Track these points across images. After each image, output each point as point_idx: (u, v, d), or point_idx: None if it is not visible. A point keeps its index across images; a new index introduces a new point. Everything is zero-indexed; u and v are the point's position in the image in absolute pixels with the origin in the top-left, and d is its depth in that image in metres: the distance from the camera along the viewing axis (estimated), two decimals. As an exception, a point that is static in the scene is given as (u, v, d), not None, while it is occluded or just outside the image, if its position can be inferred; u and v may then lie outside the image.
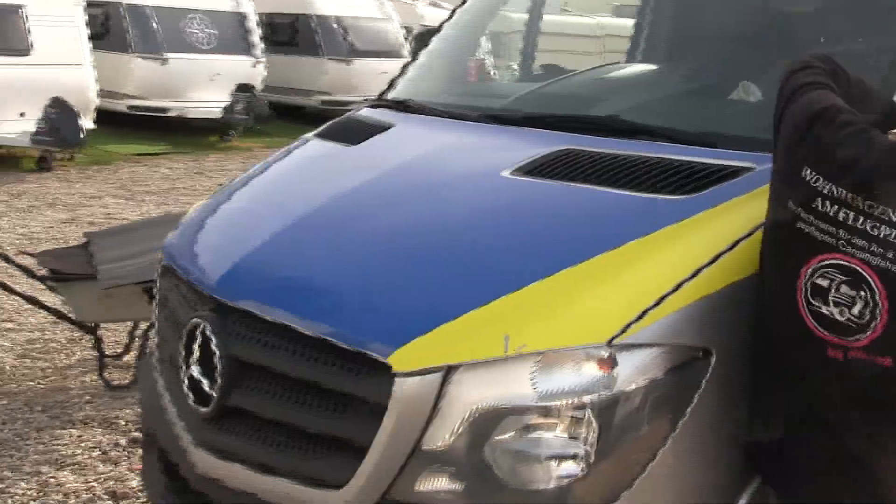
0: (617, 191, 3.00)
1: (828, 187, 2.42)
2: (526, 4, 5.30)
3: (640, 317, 2.55)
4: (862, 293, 2.37)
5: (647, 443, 2.56)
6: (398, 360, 2.58)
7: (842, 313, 2.41)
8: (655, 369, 2.55)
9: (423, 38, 4.98)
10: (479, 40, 5.00)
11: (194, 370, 3.08)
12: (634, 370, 2.53)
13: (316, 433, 2.81)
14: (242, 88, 19.10)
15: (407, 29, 21.74)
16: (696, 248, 2.69)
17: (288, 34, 22.18)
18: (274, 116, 19.49)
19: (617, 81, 4.47)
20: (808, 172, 2.46)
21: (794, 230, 2.48)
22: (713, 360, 2.60)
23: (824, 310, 2.43)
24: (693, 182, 2.93)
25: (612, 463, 2.55)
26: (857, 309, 2.38)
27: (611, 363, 2.53)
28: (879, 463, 2.47)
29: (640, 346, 2.54)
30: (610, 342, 2.53)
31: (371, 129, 3.90)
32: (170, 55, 18.56)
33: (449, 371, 2.57)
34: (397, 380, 2.57)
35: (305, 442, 2.83)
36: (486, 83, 4.70)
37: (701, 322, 2.60)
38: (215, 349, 2.98)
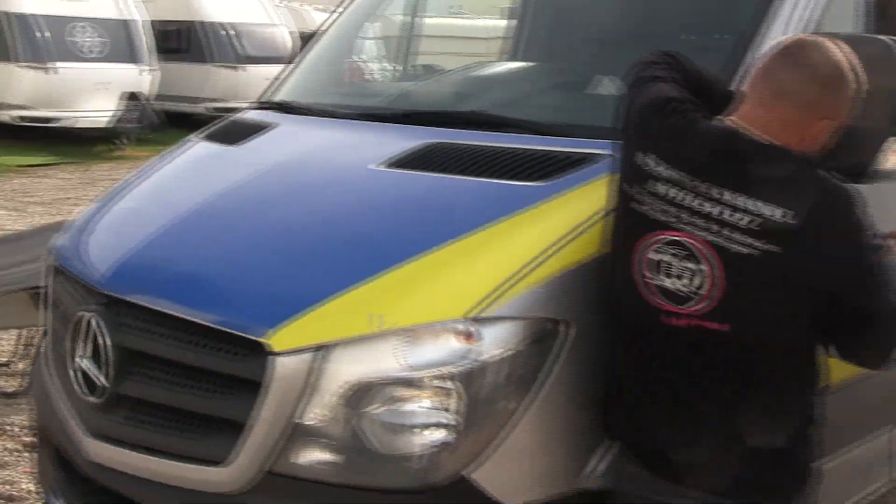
0: (478, 179, 3.21)
1: (661, 169, 2.64)
2: (407, 7, 5.49)
3: (498, 292, 2.76)
4: (695, 265, 2.59)
5: (509, 410, 2.77)
6: (274, 340, 2.76)
7: (675, 284, 2.62)
8: (515, 341, 2.76)
9: (307, 41, 5.15)
10: (359, 43, 5.19)
11: (85, 362, 3.22)
12: (495, 342, 2.74)
13: (201, 414, 2.99)
14: (132, 97, 18.99)
15: (301, 34, 21.78)
16: (551, 229, 2.91)
17: (178, 41, 22.10)
18: (166, 124, 19.32)
19: (485, 79, 4.68)
20: (643, 157, 2.68)
21: (630, 209, 2.70)
22: (571, 331, 2.82)
23: (659, 281, 2.64)
24: (548, 169, 3.14)
25: (476, 430, 2.75)
26: (689, 280, 2.60)
27: (472, 336, 2.73)
28: (718, 421, 2.70)
29: (500, 319, 2.75)
30: (469, 317, 2.73)
31: (252, 130, 4.07)
32: (57, 64, 18.38)
33: (321, 349, 2.76)
34: (273, 359, 2.76)
35: (192, 423, 3.00)
36: (363, 84, 4.89)
37: (558, 296, 2.82)
38: (106, 340, 3.13)
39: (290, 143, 3.92)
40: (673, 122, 2.72)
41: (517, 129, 3.55)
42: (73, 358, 3.29)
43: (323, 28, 4.98)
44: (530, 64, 4.94)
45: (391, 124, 3.84)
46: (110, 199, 3.94)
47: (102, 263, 3.39)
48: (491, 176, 3.20)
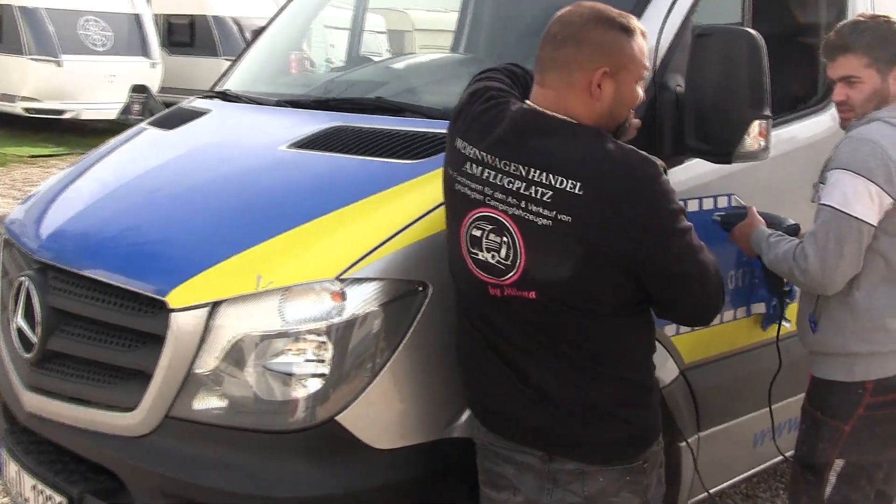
0: (365, 158, 3.58)
1: (473, 151, 2.86)
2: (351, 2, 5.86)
3: (365, 256, 3.11)
4: (505, 239, 2.80)
5: (375, 361, 3.11)
6: (171, 298, 3.14)
7: (493, 257, 2.83)
8: (379, 299, 3.11)
9: (257, 33, 5.55)
10: (302, 35, 5.57)
11: (21, 321, 3.60)
12: (361, 300, 3.09)
13: (117, 367, 3.38)
14: (140, 89, 19.32)
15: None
16: (417, 201, 3.26)
17: (186, 35, 22.48)
18: (173, 115, 19.65)
19: (398, 69, 5.08)
20: (460, 142, 2.92)
21: (455, 191, 2.94)
22: (428, 292, 3.16)
23: (480, 256, 2.87)
24: (425, 149, 3.51)
25: (346, 379, 3.09)
26: (503, 252, 2.82)
27: (341, 295, 3.09)
28: (544, 380, 2.92)
29: (366, 280, 3.10)
30: (339, 277, 3.09)
31: (189, 116, 4.48)
32: (64, 57, 18.79)
33: (214, 306, 3.12)
34: (172, 315, 3.13)
35: (107, 375, 3.39)
36: (298, 74, 5.25)
37: (417, 261, 3.16)
38: (36, 302, 3.51)
39: (216, 127, 4.33)
40: (483, 107, 2.94)
41: (412, 114, 3.92)
42: (12, 319, 3.67)
43: (271, 20, 5.37)
44: (445, 55, 5.33)
45: (307, 110, 4.24)
46: (58, 179, 4.34)
47: (39, 234, 3.81)
48: (375, 155, 3.57)
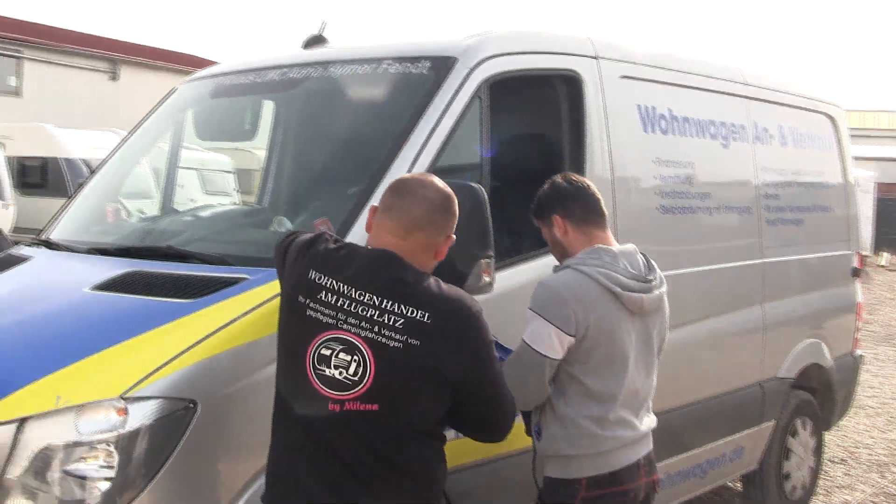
0: (150, 298, 4.33)
1: (329, 282, 3.37)
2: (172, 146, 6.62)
3: (144, 378, 3.80)
4: (356, 357, 3.29)
5: (151, 467, 3.75)
6: (-15, 416, 3.79)
7: (340, 374, 3.30)
8: (157, 413, 3.78)
9: (80, 185, 6.32)
10: (121, 184, 6.37)
11: None
12: (140, 415, 3.75)
13: None
14: (-9, 231, 19.65)
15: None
16: (191, 333, 3.97)
17: (38, 176, 22.90)
18: (23, 256, 19.96)
19: (195, 220, 5.94)
20: (315, 273, 3.41)
21: (306, 316, 3.38)
22: (199, 408, 3.83)
23: (328, 372, 3.32)
24: (200, 289, 4.24)
25: (130, 481, 3.73)
26: (352, 369, 3.29)
27: (125, 410, 3.76)
28: (362, 495, 3.37)
29: (145, 398, 3.78)
30: (123, 396, 3.77)
31: (13, 262, 5.22)
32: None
33: (21, 422, 3.78)
34: (-14, 430, 3.77)
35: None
36: (112, 223, 6.02)
37: (188, 383, 3.85)
38: None
39: (33, 273, 5.07)
40: (334, 247, 3.52)
41: (196, 261, 4.70)
42: None
43: (93, 172, 6.14)
44: (238, 207, 6.17)
45: (112, 257, 5.00)
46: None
47: None
48: (160, 295, 4.31)
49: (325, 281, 3.39)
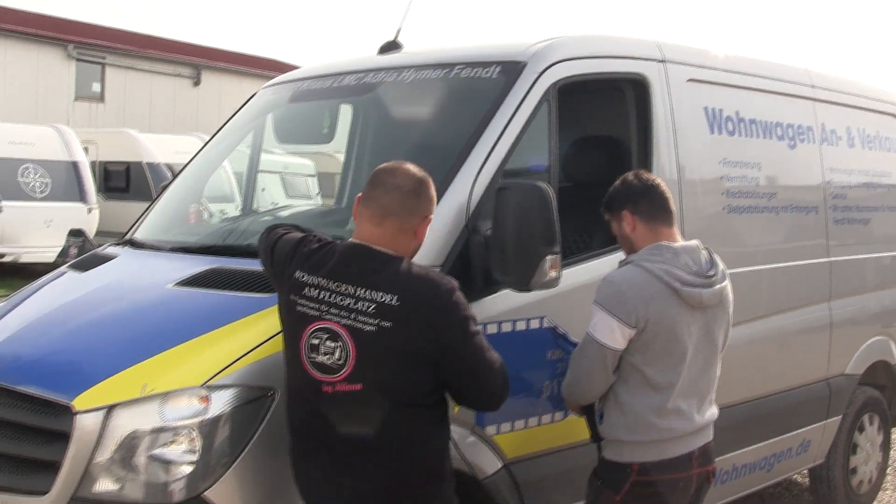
0: (230, 293, 4.57)
1: (312, 279, 3.68)
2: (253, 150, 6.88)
3: (226, 368, 4.03)
4: (339, 343, 3.59)
5: (232, 451, 3.96)
6: (76, 403, 4.02)
7: (328, 359, 3.60)
8: (237, 401, 4.00)
9: (164, 187, 6.58)
10: (203, 187, 6.62)
11: None
12: (222, 403, 3.97)
13: (30, 459, 4.22)
14: (76, 233, 20.08)
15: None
16: (269, 325, 4.13)
17: (122, 181, 23.50)
18: (107, 257, 20.41)
19: (273, 220, 6.06)
20: (300, 273, 3.73)
21: (295, 311, 3.71)
22: (277, 395, 4.03)
23: (318, 358, 3.63)
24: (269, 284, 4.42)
25: (211, 465, 3.94)
26: (337, 354, 3.59)
27: (207, 398, 3.98)
28: (363, 472, 3.65)
29: (226, 386, 4.00)
30: (205, 384, 3.99)
31: (100, 261, 5.48)
32: (5, 203, 19.69)
33: (109, 409, 4.01)
34: (76, 417, 4.01)
35: (24, 467, 4.23)
36: (194, 224, 6.27)
37: (266, 372, 4.06)
38: None
39: (119, 270, 5.32)
40: (316, 247, 3.80)
41: None
42: None
43: (175, 176, 6.39)
44: (317, 207, 6.34)
45: (193, 255, 5.23)
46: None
47: None
48: (240, 290, 4.54)
49: (308, 278, 3.71)
